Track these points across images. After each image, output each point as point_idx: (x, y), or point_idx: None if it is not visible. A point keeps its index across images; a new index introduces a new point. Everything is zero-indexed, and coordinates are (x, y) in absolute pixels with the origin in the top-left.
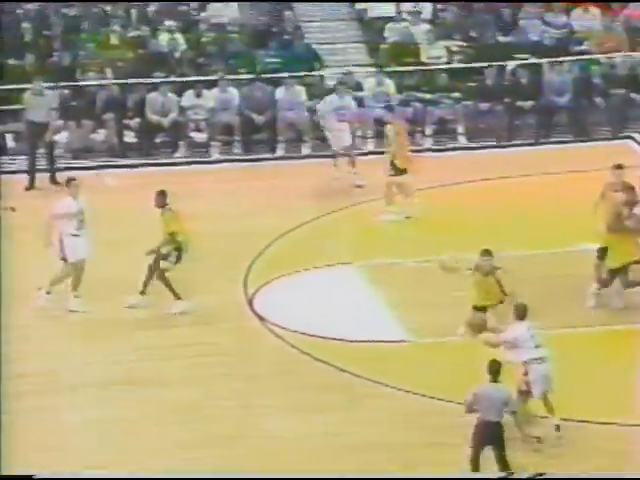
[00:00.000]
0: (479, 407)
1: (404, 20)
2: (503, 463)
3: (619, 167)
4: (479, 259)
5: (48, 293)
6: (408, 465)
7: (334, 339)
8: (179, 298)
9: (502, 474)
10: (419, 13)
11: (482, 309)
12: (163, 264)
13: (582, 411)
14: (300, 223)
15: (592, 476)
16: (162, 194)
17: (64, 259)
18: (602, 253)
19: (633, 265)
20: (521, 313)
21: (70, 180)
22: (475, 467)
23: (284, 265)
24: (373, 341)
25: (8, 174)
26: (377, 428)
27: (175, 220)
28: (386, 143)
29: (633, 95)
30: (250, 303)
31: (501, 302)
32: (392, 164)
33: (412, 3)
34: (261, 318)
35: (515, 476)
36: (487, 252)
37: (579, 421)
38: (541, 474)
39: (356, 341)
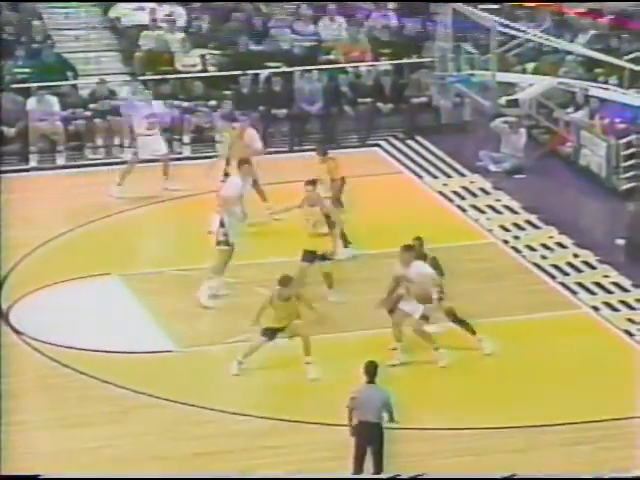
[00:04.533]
0: (358, 409)
1: (159, 28)
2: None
3: (312, 183)
4: (278, 289)
5: None
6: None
7: (97, 351)
8: None
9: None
10: (174, 21)
11: (274, 332)
12: None
13: None
14: (57, 235)
15: (591, 476)
16: None
17: None
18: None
19: None
20: None
21: None
22: (359, 468)
23: (40, 278)
24: (137, 352)
25: None
26: (146, 439)
27: None
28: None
29: (379, 104)
30: (5, 317)
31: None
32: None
33: (167, 11)
34: (18, 332)
35: (514, 476)
36: (286, 280)
37: None
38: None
39: (120, 352)
